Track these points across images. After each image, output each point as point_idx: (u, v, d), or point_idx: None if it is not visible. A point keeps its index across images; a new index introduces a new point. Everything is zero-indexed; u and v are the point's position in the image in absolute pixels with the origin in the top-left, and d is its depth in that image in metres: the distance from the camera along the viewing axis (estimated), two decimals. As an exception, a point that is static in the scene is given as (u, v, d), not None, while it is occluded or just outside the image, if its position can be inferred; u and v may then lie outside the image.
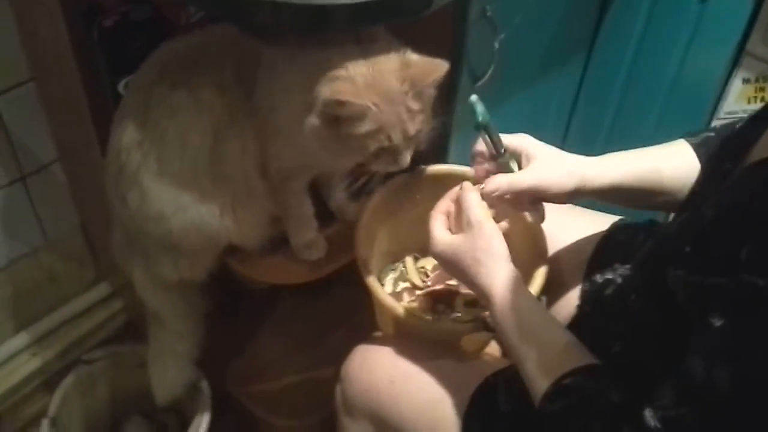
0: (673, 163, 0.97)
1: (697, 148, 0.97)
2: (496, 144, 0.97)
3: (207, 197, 1.08)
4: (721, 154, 0.91)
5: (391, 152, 0.99)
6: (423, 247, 1.27)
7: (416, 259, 1.30)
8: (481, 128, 0.95)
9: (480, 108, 0.94)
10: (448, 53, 1.15)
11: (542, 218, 1.02)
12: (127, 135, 1.07)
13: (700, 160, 0.95)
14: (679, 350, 0.69)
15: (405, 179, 1.19)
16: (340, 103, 0.91)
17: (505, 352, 0.89)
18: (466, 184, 0.96)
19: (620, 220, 1.16)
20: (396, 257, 1.30)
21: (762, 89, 1.44)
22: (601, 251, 1.13)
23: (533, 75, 1.44)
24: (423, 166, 1.19)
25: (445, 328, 1.15)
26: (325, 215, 1.25)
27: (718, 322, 0.64)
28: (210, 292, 1.29)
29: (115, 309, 1.67)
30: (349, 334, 1.25)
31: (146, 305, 1.27)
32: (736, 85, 1.47)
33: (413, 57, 0.97)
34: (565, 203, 0.98)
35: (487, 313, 1.08)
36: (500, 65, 1.24)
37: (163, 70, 1.06)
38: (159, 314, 1.28)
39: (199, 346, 1.32)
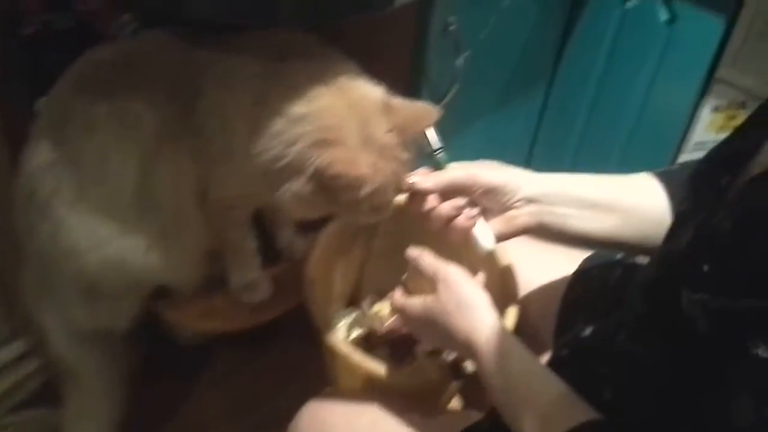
0: (631, 184, 0.90)
1: (659, 175, 0.90)
2: (431, 139, 0.89)
3: (131, 229, 0.94)
4: (713, 169, 0.82)
5: (380, 206, 0.88)
6: (379, 289, 1.16)
7: (372, 303, 1.16)
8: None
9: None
10: (408, 69, 1.05)
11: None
12: (38, 156, 0.93)
13: (665, 187, 0.88)
14: (695, 389, 0.61)
15: None
16: (338, 177, 0.80)
17: (496, 406, 0.78)
18: (410, 251, 0.89)
19: (592, 255, 1.07)
20: (349, 300, 1.16)
21: (733, 117, 1.37)
22: (573, 290, 1.04)
23: (495, 100, 1.35)
24: None
25: (430, 379, 1.01)
26: (269, 252, 1.11)
27: (766, 353, 0.53)
28: (135, 345, 1.14)
29: (29, 370, 1.49)
30: (297, 392, 1.09)
31: (60, 360, 1.11)
32: (706, 114, 1.39)
33: (395, 101, 0.87)
34: (520, 223, 0.87)
35: (450, 359, 0.99)
36: (463, 87, 1.14)
37: (82, 82, 0.93)
38: (75, 370, 1.11)
39: (123, 408, 1.16)
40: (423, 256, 0.88)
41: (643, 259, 1.01)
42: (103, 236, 0.92)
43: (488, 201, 0.87)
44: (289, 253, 1.15)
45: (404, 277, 0.96)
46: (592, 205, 0.88)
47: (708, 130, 1.40)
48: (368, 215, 0.88)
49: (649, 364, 0.72)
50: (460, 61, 1.12)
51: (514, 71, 1.34)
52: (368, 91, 0.86)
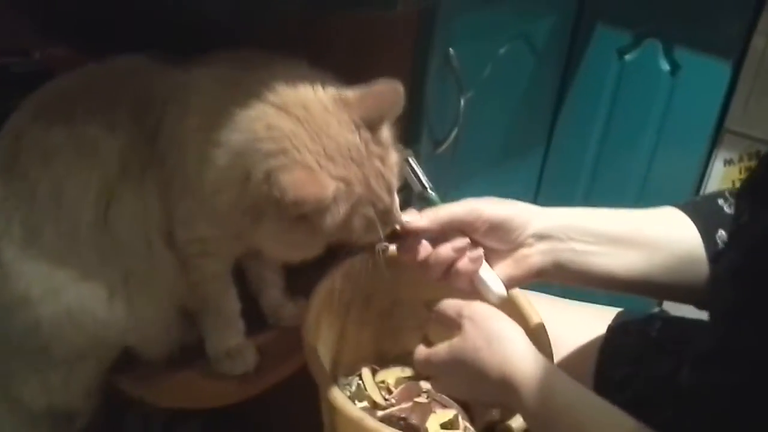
0: (655, 216, 0.81)
1: (684, 207, 0.81)
2: (419, 176, 0.82)
3: (91, 274, 0.80)
4: None
5: (379, 216, 0.75)
6: (381, 356, 1.01)
7: (374, 372, 1.01)
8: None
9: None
10: (406, 109, 0.95)
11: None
12: (-13, 194, 0.80)
13: (693, 218, 0.79)
14: None
15: (360, 262, 0.90)
16: (303, 202, 0.69)
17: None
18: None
19: (624, 311, 0.95)
20: (349, 369, 1.00)
21: (749, 170, 1.28)
22: (610, 345, 0.92)
23: (495, 156, 1.27)
24: (384, 245, 0.88)
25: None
26: (254, 318, 0.97)
27: None
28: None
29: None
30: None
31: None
32: (718, 169, 1.31)
33: (350, 94, 0.75)
34: (532, 264, 0.77)
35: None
36: (462, 139, 1.05)
37: (40, 109, 0.82)
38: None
39: None
40: (444, 301, 0.76)
41: (678, 310, 0.91)
42: (58, 282, 0.78)
43: (493, 240, 0.76)
44: (276, 319, 1.00)
45: (426, 330, 0.83)
46: (614, 240, 0.77)
47: (722, 186, 1.31)
48: (371, 231, 0.76)
49: (735, 380, 0.59)
50: (462, 100, 1.03)
51: (513, 124, 1.26)
52: (314, 94, 0.74)
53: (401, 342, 0.99)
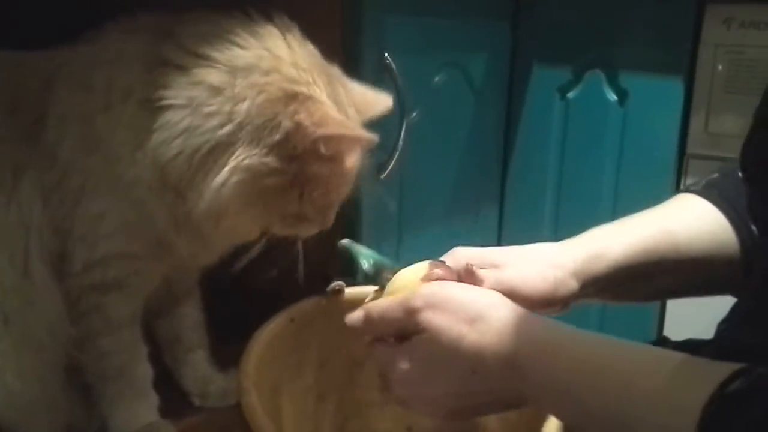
0: (685, 221, 0.70)
1: (704, 192, 0.72)
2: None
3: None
4: None
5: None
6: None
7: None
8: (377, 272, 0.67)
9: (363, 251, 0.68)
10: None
11: None
12: None
13: (716, 203, 0.71)
14: None
15: (311, 306, 0.73)
16: (330, 138, 0.61)
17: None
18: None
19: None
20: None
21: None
22: None
23: (443, 209, 1.12)
24: (339, 283, 0.73)
25: None
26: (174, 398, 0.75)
27: None
28: None
29: None
30: None
31: None
32: (689, 198, 1.19)
33: (352, 84, 0.70)
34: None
35: None
36: (406, 186, 0.95)
37: None
38: None
39: None
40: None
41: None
42: None
43: None
44: (202, 397, 0.78)
45: None
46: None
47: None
48: (321, 211, 0.65)
49: None
50: (404, 125, 0.89)
51: (460, 174, 1.14)
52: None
53: (370, 423, 0.78)
